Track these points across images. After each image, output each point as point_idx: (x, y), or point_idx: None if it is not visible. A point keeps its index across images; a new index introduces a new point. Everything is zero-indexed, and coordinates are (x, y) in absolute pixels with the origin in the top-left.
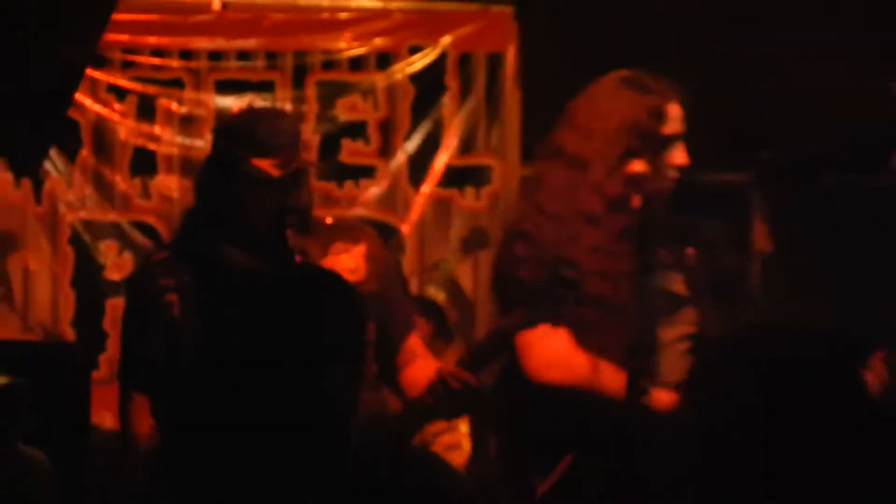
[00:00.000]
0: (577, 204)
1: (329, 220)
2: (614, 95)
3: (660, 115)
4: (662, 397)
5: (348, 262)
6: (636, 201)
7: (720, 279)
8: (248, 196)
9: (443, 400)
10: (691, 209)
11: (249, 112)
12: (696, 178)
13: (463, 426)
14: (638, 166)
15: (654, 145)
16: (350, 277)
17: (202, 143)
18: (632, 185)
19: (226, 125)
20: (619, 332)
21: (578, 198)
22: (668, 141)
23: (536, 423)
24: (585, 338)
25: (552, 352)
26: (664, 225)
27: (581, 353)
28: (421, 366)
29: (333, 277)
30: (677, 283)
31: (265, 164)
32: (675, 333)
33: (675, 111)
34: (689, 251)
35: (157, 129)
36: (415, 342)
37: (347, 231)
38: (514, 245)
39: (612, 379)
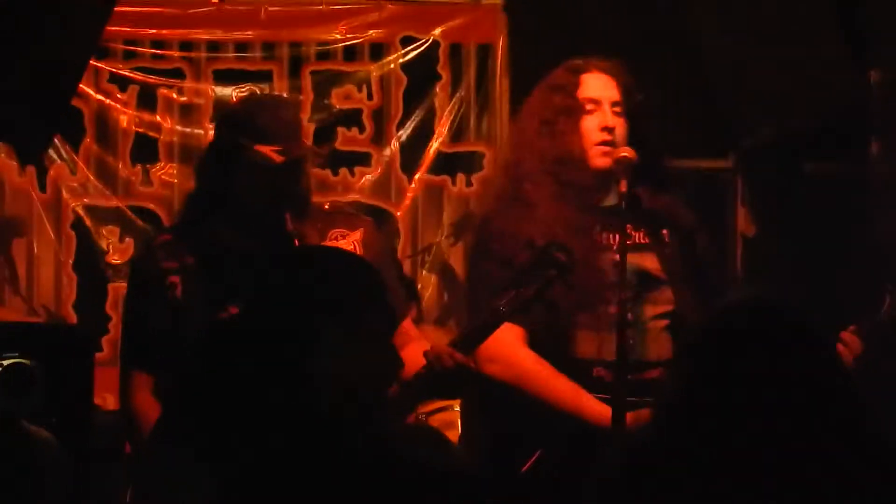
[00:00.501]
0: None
1: (327, 207)
2: (539, 84)
3: (570, 84)
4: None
5: (345, 247)
6: (623, 185)
7: (694, 260)
8: (250, 181)
9: (436, 377)
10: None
11: (252, 99)
12: (657, 161)
13: (457, 405)
14: (624, 151)
15: (566, 109)
16: None
17: (202, 132)
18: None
19: (228, 112)
20: (596, 312)
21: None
22: (584, 104)
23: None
24: (568, 318)
25: (496, 347)
26: (638, 206)
27: (525, 351)
28: (414, 348)
29: (335, 251)
30: (653, 264)
31: (267, 151)
32: (652, 312)
33: (591, 78)
34: (665, 232)
35: (157, 118)
36: (408, 326)
37: (345, 218)
38: (500, 227)
39: (556, 383)
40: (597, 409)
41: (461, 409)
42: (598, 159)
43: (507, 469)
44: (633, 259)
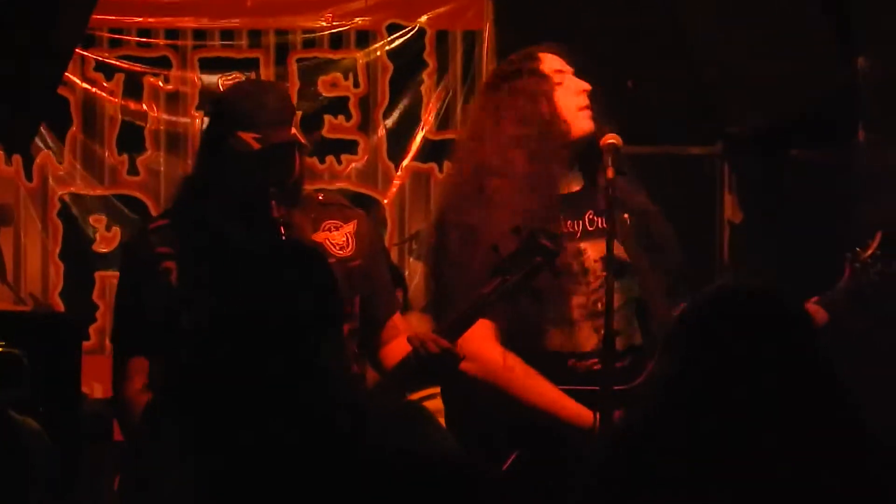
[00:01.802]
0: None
1: (321, 198)
2: (504, 81)
3: (532, 62)
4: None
5: (338, 238)
6: (610, 172)
7: (650, 241)
8: (234, 168)
9: (422, 364)
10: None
11: (239, 86)
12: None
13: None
14: (612, 138)
15: (528, 89)
16: (339, 253)
17: (188, 120)
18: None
19: (216, 98)
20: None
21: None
22: (549, 78)
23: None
24: (553, 305)
25: (467, 344)
26: (607, 192)
27: (497, 348)
28: (401, 343)
29: (308, 249)
30: (617, 250)
31: (247, 137)
32: (621, 300)
33: (550, 57)
34: (626, 216)
35: (144, 106)
36: (398, 319)
37: (339, 209)
38: (464, 222)
39: (529, 380)
40: (570, 405)
41: (442, 397)
42: (584, 122)
43: (489, 467)
44: (598, 247)
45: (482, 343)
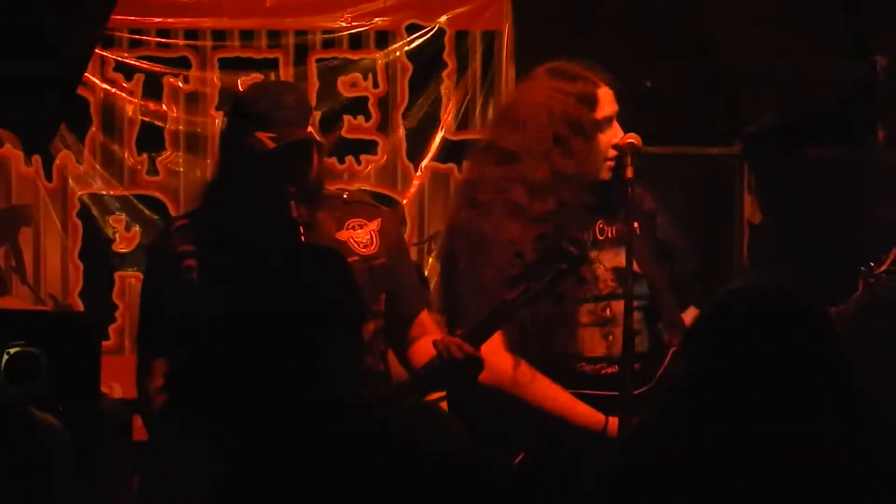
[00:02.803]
0: (506, 195)
1: (346, 196)
2: (542, 86)
3: (591, 101)
4: None
5: (362, 236)
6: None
7: (658, 243)
8: (251, 167)
9: (445, 368)
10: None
11: (256, 86)
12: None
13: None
14: (631, 137)
15: (587, 130)
16: (363, 251)
17: (207, 120)
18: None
19: (235, 98)
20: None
21: (509, 189)
22: (602, 124)
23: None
24: (563, 311)
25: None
26: (626, 191)
27: (505, 355)
28: (430, 341)
29: (325, 251)
30: (622, 257)
31: (264, 137)
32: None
33: (605, 95)
34: (636, 224)
35: (163, 107)
36: (425, 317)
37: (363, 207)
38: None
39: (538, 386)
40: (580, 409)
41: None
42: (604, 173)
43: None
44: (609, 255)
45: (490, 349)
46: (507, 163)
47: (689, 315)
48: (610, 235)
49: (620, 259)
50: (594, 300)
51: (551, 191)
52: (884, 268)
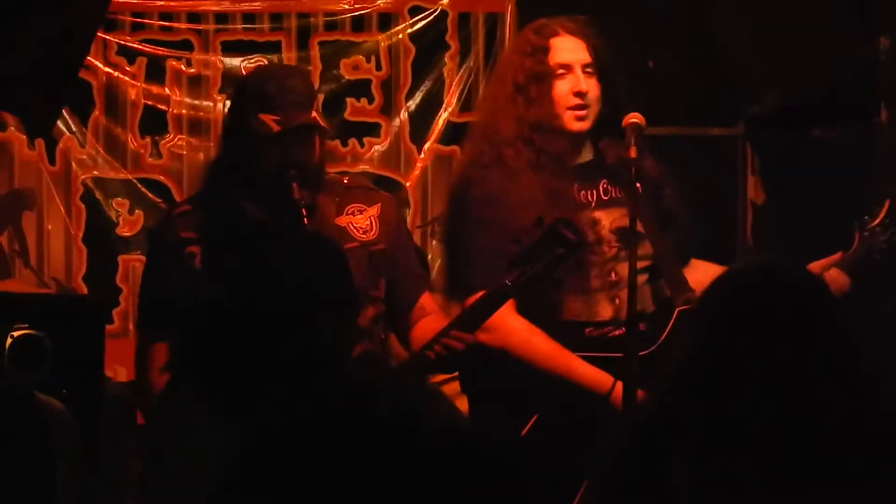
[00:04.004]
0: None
1: (346, 181)
2: (512, 42)
3: (544, 49)
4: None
5: (362, 221)
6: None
7: (664, 212)
8: (255, 150)
9: (444, 357)
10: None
11: (261, 69)
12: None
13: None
14: (634, 117)
15: (539, 76)
16: (362, 237)
17: (210, 104)
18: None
19: (240, 81)
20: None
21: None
22: (555, 69)
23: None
24: (570, 275)
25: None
26: (617, 163)
27: (517, 318)
28: (431, 322)
29: (325, 239)
30: (621, 219)
31: (268, 119)
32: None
33: (561, 42)
34: (638, 185)
35: (166, 90)
36: (427, 300)
37: (363, 192)
38: (482, 193)
39: (548, 349)
40: (590, 373)
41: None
42: (573, 123)
43: (508, 434)
44: (613, 216)
45: (502, 314)
46: (486, 118)
47: (696, 269)
48: (614, 195)
49: (624, 220)
50: (600, 264)
51: (524, 140)
52: (878, 220)
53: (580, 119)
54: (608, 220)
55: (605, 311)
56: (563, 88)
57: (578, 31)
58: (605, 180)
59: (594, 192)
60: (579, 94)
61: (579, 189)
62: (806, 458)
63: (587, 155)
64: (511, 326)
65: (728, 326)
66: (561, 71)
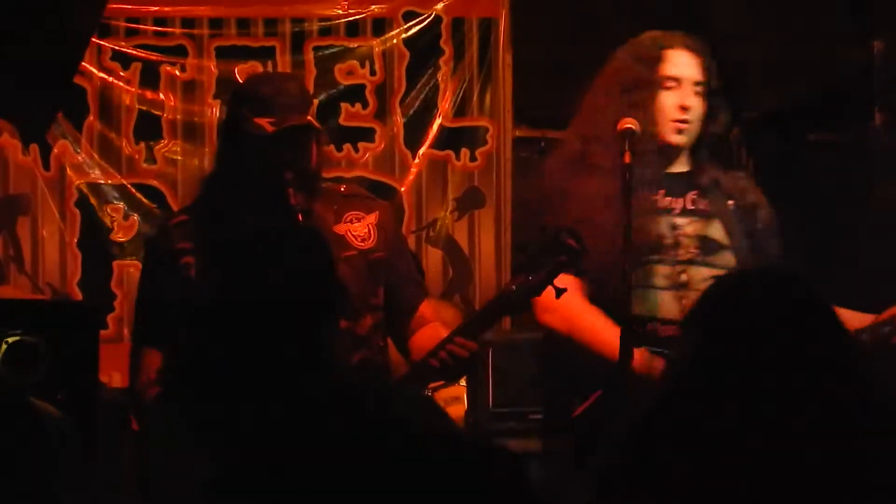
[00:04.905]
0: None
1: (343, 189)
2: (621, 50)
3: (655, 58)
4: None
5: (360, 230)
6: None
7: (756, 233)
8: (249, 154)
9: (448, 365)
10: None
11: (259, 75)
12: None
13: (462, 380)
14: (629, 122)
15: (649, 83)
16: (360, 245)
17: (205, 109)
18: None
19: (236, 87)
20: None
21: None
22: (664, 81)
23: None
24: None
25: (553, 297)
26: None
27: (582, 302)
28: (429, 331)
29: (317, 234)
30: (717, 231)
31: (262, 122)
32: (708, 274)
33: (679, 57)
34: (730, 203)
35: (160, 95)
36: (426, 308)
37: (361, 200)
38: (566, 187)
39: (609, 335)
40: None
41: (467, 380)
42: (671, 135)
43: (561, 414)
44: (696, 225)
45: (568, 297)
46: (581, 121)
47: None
48: (702, 207)
49: (708, 230)
50: (671, 264)
51: (613, 142)
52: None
53: (679, 132)
54: (692, 227)
55: (670, 310)
56: (669, 100)
57: (696, 49)
58: (695, 192)
59: (681, 200)
60: (684, 109)
61: (665, 195)
62: (802, 463)
63: (681, 166)
64: (576, 309)
65: (725, 330)
66: (670, 83)
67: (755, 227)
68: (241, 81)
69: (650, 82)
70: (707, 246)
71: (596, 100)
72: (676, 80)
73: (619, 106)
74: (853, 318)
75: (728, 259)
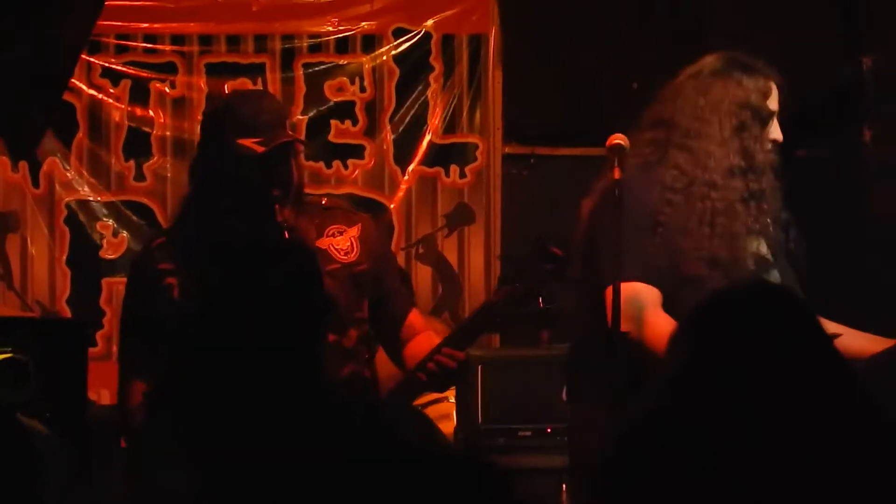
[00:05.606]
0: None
1: (325, 203)
2: (723, 75)
3: (766, 93)
4: None
5: (343, 243)
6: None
7: (790, 251)
8: (237, 175)
9: (437, 377)
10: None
11: (233, 95)
12: None
13: (451, 396)
14: (618, 139)
15: (762, 121)
16: (343, 258)
17: (195, 126)
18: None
19: (212, 109)
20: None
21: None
22: (771, 117)
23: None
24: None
25: (633, 307)
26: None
27: (660, 314)
28: (422, 340)
29: (304, 247)
30: (763, 247)
31: (249, 143)
32: None
33: (775, 90)
34: (768, 221)
35: (150, 112)
36: (415, 318)
37: (342, 214)
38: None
39: None
40: None
41: (456, 399)
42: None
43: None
44: (753, 243)
45: (648, 308)
46: (686, 147)
47: None
48: (750, 224)
49: (761, 248)
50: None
51: (738, 175)
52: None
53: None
54: (754, 244)
55: None
56: (772, 134)
57: (779, 81)
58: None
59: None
60: (776, 143)
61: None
62: (795, 467)
63: None
64: (655, 320)
65: (710, 347)
66: (771, 119)
67: (789, 245)
68: (214, 103)
69: (767, 116)
70: (759, 263)
71: (703, 128)
72: (774, 114)
73: (739, 140)
74: (862, 341)
75: (774, 276)
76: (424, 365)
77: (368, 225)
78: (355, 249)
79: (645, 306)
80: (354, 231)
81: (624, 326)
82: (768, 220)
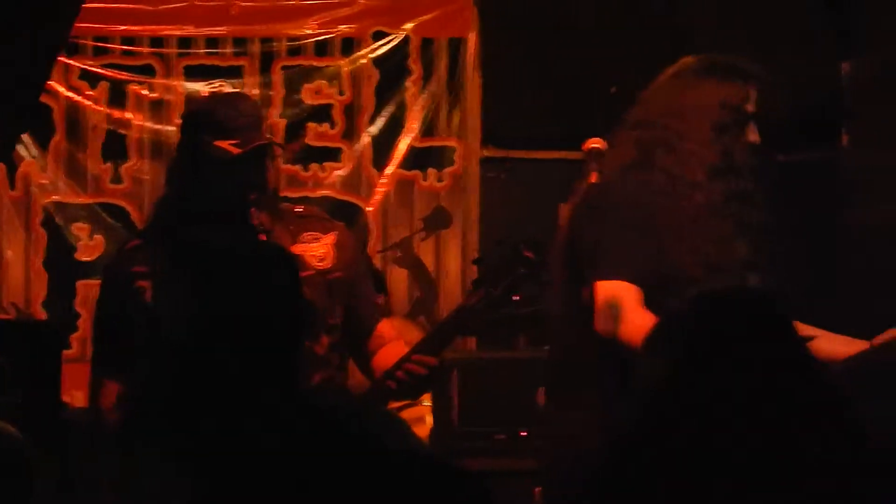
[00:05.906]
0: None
1: (300, 210)
2: (703, 76)
3: (745, 95)
4: None
5: (318, 250)
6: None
7: (773, 250)
8: (213, 177)
9: (406, 385)
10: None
11: (210, 97)
12: None
13: (426, 400)
14: (595, 142)
15: (740, 123)
16: (318, 265)
17: (172, 128)
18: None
19: (189, 112)
20: None
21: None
22: (749, 119)
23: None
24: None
25: (609, 304)
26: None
27: (641, 311)
28: (390, 350)
29: (276, 252)
30: (743, 249)
31: (226, 145)
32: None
33: (753, 92)
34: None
35: (128, 115)
36: (385, 328)
37: (318, 221)
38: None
39: None
40: None
41: (432, 403)
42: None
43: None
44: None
45: (629, 305)
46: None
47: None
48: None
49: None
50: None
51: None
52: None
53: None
54: (736, 244)
55: None
56: (750, 136)
57: (757, 84)
58: None
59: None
60: (754, 145)
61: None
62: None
63: None
64: (632, 317)
65: (689, 351)
66: (750, 122)
67: (770, 247)
68: (191, 105)
69: (744, 120)
70: (740, 264)
71: (690, 130)
72: (752, 115)
73: (720, 145)
74: (839, 344)
75: (755, 279)
76: (393, 373)
77: (344, 233)
78: (330, 256)
79: (624, 304)
80: (330, 238)
81: (604, 324)
82: (749, 221)
